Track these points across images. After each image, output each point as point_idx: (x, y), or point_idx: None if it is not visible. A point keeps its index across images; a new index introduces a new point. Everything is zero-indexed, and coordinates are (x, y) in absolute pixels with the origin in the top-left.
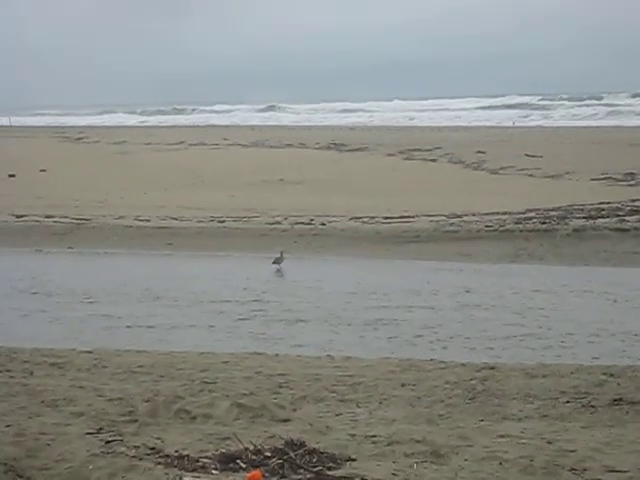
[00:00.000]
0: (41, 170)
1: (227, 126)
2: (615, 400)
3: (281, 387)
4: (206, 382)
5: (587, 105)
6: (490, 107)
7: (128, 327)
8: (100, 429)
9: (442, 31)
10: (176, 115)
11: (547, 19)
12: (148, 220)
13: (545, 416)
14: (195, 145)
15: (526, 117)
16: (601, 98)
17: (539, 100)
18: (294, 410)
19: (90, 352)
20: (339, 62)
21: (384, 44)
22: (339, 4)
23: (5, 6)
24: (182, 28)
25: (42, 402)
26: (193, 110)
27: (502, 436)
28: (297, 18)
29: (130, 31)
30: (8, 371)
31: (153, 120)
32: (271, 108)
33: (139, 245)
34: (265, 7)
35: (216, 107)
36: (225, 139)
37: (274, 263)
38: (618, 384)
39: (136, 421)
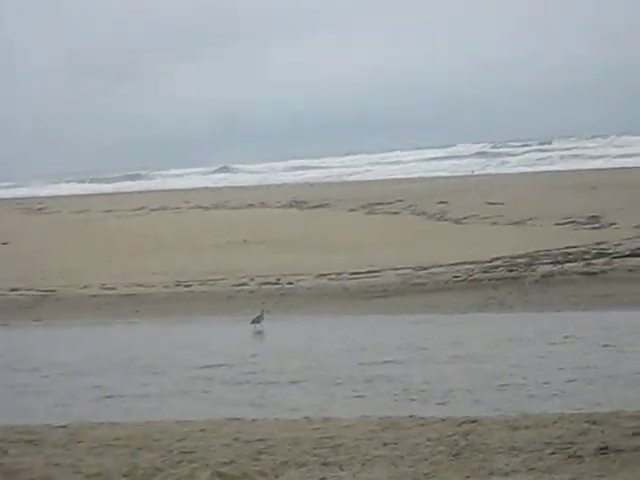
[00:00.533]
0: (2, 243)
1: (186, 190)
2: (601, 449)
3: (261, 453)
4: (185, 452)
5: (539, 150)
6: (444, 157)
7: (100, 398)
8: None
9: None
10: (133, 181)
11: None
12: (114, 288)
13: (532, 469)
14: (156, 210)
15: (484, 166)
16: (550, 142)
17: (491, 147)
18: (276, 477)
19: (65, 427)
20: (288, 118)
21: (333, 97)
22: (291, 59)
23: None
24: (128, 93)
25: None
26: (147, 175)
27: None
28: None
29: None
30: None
31: (110, 188)
32: (224, 169)
33: (106, 314)
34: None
35: (172, 171)
36: (186, 202)
37: (253, 322)
38: (602, 432)
39: None
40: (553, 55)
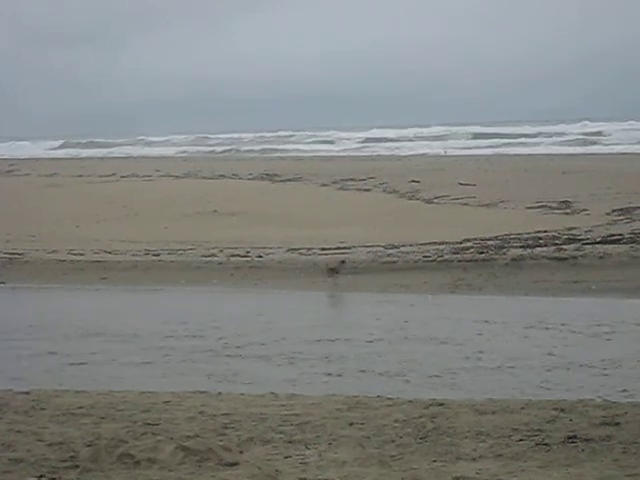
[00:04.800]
0: None
1: (159, 157)
2: (569, 437)
3: (226, 428)
4: (149, 424)
5: (511, 134)
6: (420, 137)
7: (64, 365)
8: (41, 476)
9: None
10: (106, 148)
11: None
12: (81, 254)
13: (499, 455)
14: (127, 177)
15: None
16: (523, 125)
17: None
18: (241, 452)
19: (27, 393)
20: (273, 91)
21: (320, 74)
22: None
23: None
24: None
25: None
26: (117, 142)
27: (457, 478)
28: (225, 44)
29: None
30: None
31: (83, 153)
32: (201, 139)
33: (73, 280)
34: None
35: (149, 138)
36: (157, 170)
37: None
38: (570, 420)
39: (77, 467)
40: (523, 41)
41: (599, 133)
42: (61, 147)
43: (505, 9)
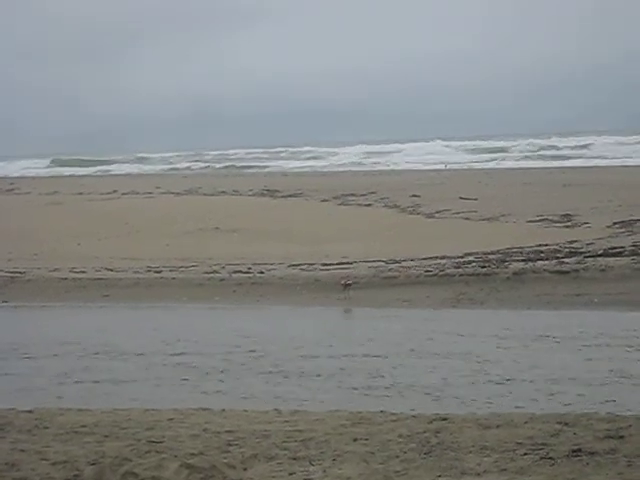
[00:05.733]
0: None
1: (158, 174)
2: (574, 451)
3: (230, 445)
4: (152, 442)
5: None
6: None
7: (66, 384)
8: None
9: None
10: (106, 166)
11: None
12: (83, 272)
13: (504, 470)
14: (128, 194)
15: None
16: (525, 139)
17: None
18: (245, 470)
19: (31, 412)
20: (271, 107)
21: (319, 90)
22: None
23: None
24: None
25: None
26: (118, 159)
27: None
28: (224, 61)
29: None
30: None
31: (82, 171)
32: (200, 155)
33: (75, 298)
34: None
35: (147, 155)
36: (157, 187)
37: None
38: (574, 433)
39: None
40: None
41: (585, 147)
42: (50, 165)
43: (500, 22)
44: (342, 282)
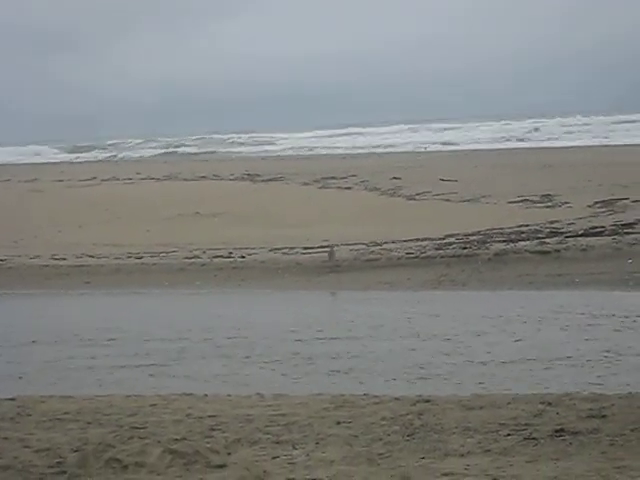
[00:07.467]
0: None
1: (139, 160)
2: (557, 431)
3: (213, 430)
4: (136, 427)
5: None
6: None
7: (49, 370)
8: None
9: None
10: (86, 153)
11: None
12: (64, 259)
13: (487, 451)
14: (108, 180)
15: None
16: (499, 120)
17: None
18: (229, 454)
19: (13, 399)
20: (251, 92)
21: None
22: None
23: None
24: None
25: None
26: (98, 145)
27: (446, 474)
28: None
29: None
30: None
31: (62, 157)
32: (180, 141)
33: (56, 285)
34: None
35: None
36: (138, 173)
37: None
38: (557, 413)
39: (65, 472)
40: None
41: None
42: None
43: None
44: (328, 249)
